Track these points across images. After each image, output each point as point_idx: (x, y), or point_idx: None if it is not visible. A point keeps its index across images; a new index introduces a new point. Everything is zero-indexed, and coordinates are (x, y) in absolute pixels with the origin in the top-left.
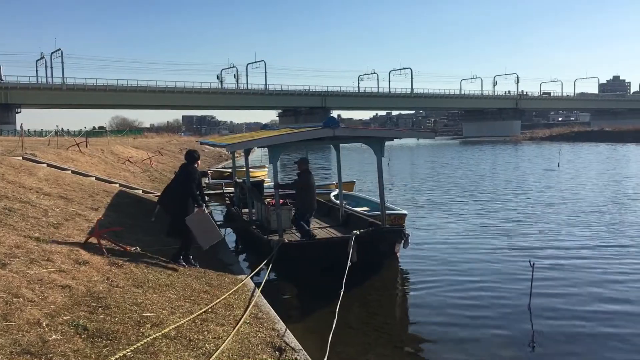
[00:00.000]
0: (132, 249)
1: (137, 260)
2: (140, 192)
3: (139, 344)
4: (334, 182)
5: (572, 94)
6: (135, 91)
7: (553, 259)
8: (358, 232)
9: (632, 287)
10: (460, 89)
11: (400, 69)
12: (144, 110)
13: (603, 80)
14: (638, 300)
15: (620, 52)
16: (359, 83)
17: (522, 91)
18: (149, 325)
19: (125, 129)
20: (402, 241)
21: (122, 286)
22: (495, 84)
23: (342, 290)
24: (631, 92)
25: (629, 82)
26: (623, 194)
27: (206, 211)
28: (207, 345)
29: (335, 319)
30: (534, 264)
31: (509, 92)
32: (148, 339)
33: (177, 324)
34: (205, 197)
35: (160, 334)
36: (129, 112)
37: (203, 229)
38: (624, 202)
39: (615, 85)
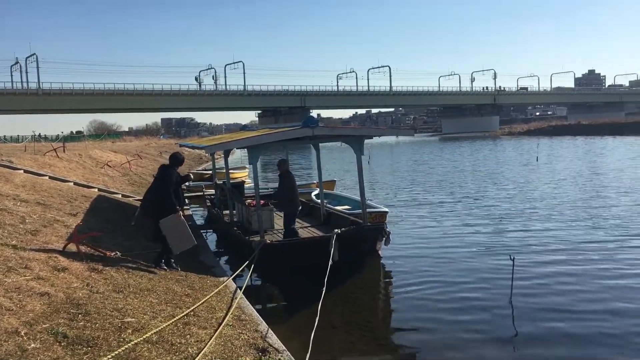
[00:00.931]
0: (112, 253)
1: (118, 265)
2: (120, 196)
3: (120, 350)
4: (314, 182)
5: (548, 89)
6: (112, 95)
7: (533, 253)
8: (339, 231)
9: (611, 282)
10: (439, 86)
11: (378, 67)
12: (122, 113)
13: (579, 75)
14: (618, 296)
15: (595, 46)
16: (337, 82)
17: (500, 87)
18: (130, 331)
19: (104, 133)
20: (384, 239)
21: (102, 292)
22: (473, 80)
23: (324, 289)
24: (606, 86)
25: (604, 76)
26: (602, 187)
27: (182, 216)
28: (189, 348)
29: (317, 318)
30: (514, 259)
31: (487, 88)
32: (129, 344)
33: (159, 328)
34: (186, 200)
35: (141, 339)
36: (107, 116)
37: (176, 234)
38: (603, 196)
39: (591, 79)
